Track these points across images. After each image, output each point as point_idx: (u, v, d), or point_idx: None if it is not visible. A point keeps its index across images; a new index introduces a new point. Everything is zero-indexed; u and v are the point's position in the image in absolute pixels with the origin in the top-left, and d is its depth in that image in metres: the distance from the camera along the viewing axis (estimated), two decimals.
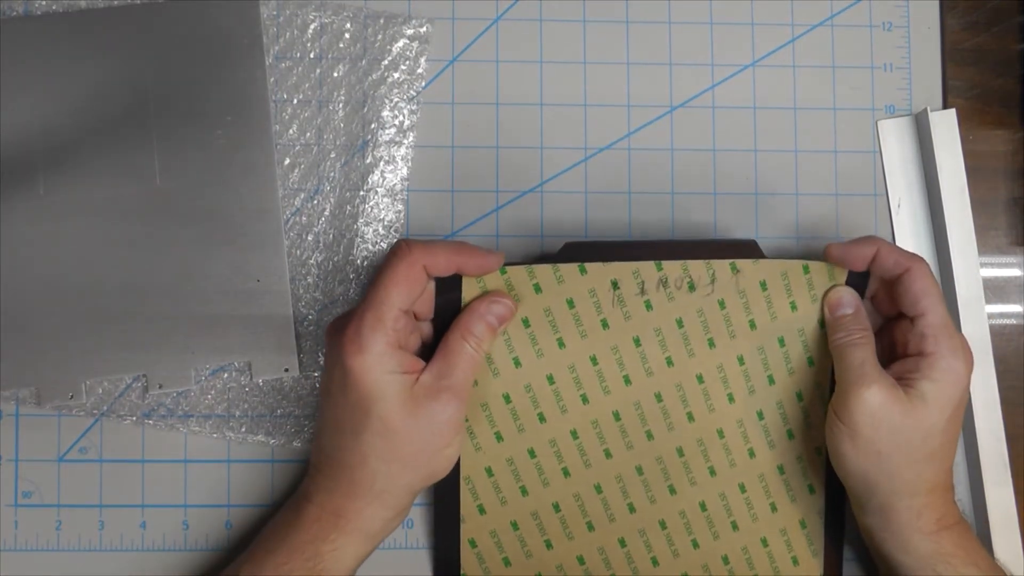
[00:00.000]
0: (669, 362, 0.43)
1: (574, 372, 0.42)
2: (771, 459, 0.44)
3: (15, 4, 0.45)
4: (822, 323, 0.42)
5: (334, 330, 0.39)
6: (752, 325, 0.42)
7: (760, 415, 0.43)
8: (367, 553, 0.41)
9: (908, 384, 0.39)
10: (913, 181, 0.48)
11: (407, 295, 0.38)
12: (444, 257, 0.39)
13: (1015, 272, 0.49)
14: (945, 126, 0.46)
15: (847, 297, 0.42)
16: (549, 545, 0.44)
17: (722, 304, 0.42)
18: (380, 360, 0.37)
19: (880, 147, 0.48)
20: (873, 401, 0.38)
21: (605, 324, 0.42)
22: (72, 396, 0.45)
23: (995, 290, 0.48)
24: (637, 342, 0.42)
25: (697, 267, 0.42)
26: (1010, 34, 0.49)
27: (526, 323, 0.42)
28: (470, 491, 0.43)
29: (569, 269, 0.41)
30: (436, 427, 0.38)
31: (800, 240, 0.47)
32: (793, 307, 0.42)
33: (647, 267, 0.41)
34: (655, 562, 0.44)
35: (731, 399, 0.43)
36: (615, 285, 0.41)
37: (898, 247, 0.41)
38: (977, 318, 0.46)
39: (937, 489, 0.40)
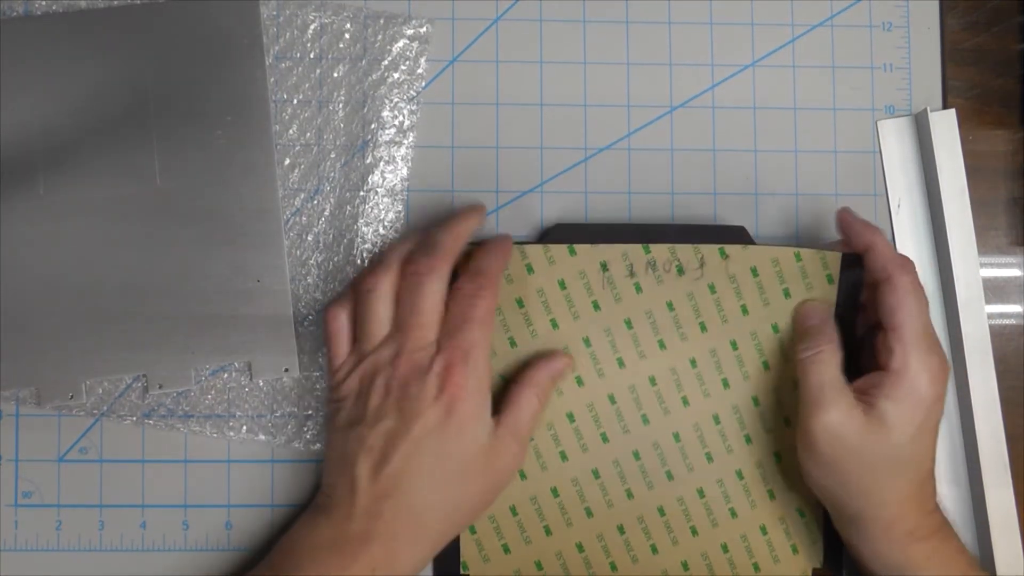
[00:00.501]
0: (661, 345, 0.43)
1: (568, 354, 0.43)
2: (767, 446, 0.44)
3: (15, 4, 0.45)
4: None
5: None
6: (744, 310, 0.43)
7: (755, 401, 0.44)
8: None
9: (869, 402, 0.39)
10: (913, 181, 0.48)
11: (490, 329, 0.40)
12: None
13: (1015, 272, 0.49)
14: (945, 126, 0.46)
15: (815, 309, 0.42)
16: (548, 531, 0.44)
17: (712, 288, 0.43)
18: (479, 400, 0.39)
19: (880, 147, 0.48)
20: (831, 423, 0.38)
21: (596, 306, 0.43)
22: (72, 396, 0.45)
23: (995, 290, 0.48)
24: (629, 324, 0.43)
25: (685, 251, 0.42)
26: (1010, 34, 0.49)
27: (520, 303, 0.42)
28: None
29: (559, 250, 0.42)
30: (503, 475, 0.40)
31: (800, 240, 0.47)
32: (786, 294, 0.43)
33: (635, 250, 0.42)
34: (654, 549, 0.44)
35: (725, 384, 0.43)
36: (604, 267, 0.42)
37: (892, 251, 0.40)
38: (977, 318, 0.46)
39: (908, 501, 0.39)
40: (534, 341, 0.43)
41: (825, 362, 0.40)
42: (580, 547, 0.44)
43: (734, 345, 0.43)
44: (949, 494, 0.46)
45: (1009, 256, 0.49)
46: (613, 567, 0.44)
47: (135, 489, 0.45)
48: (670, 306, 0.43)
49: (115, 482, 0.45)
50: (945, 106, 0.48)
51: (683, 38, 0.48)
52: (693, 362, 0.43)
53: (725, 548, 0.44)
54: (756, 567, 0.44)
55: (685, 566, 0.44)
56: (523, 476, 0.43)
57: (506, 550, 0.44)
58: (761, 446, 0.44)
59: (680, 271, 0.42)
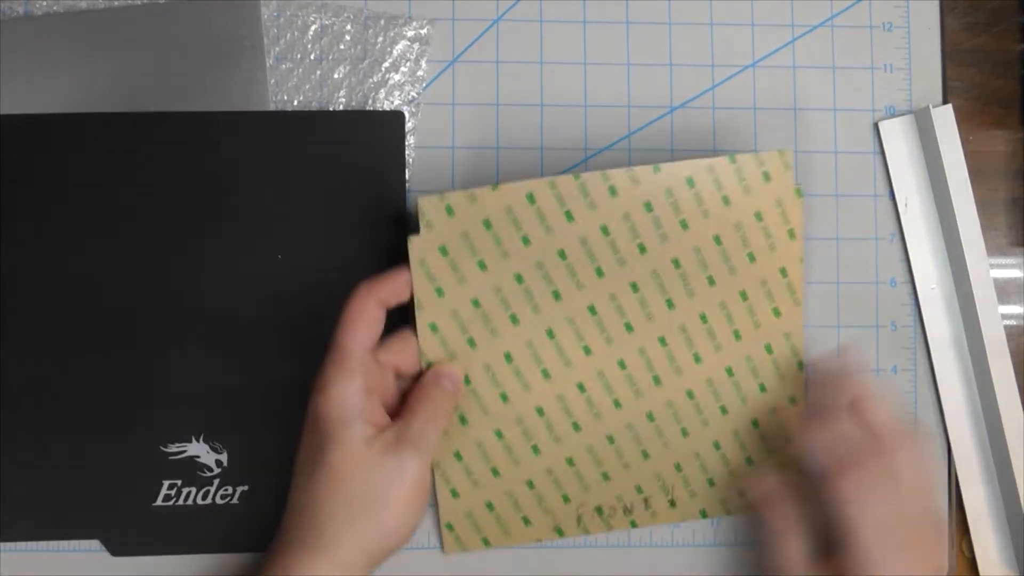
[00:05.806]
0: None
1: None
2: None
3: (15, 4, 0.46)
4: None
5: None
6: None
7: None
8: None
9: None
10: (918, 180, 0.48)
11: (365, 332, 0.38)
12: (389, 286, 0.40)
13: (1015, 273, 0.49)
14: (945, 122, 0.46)
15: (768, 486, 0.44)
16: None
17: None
18: (341, 401, 0.37)
19: (883, 148, 0.48)
20: None
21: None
22: None
23: (996, 291, 0.48)
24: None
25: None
26: (1010, 34, 0.49)
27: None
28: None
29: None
30: (393, 481, 0.37)
31: None
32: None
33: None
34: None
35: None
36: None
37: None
38: (993, 316, 0.46)
39: None
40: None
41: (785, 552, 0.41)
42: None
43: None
44: (981, 494, 0.47)
45: (1009, 257, 0.49)
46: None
47: None
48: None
49: None
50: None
51: (683, 38, 0.48)
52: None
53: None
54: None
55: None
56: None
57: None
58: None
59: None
